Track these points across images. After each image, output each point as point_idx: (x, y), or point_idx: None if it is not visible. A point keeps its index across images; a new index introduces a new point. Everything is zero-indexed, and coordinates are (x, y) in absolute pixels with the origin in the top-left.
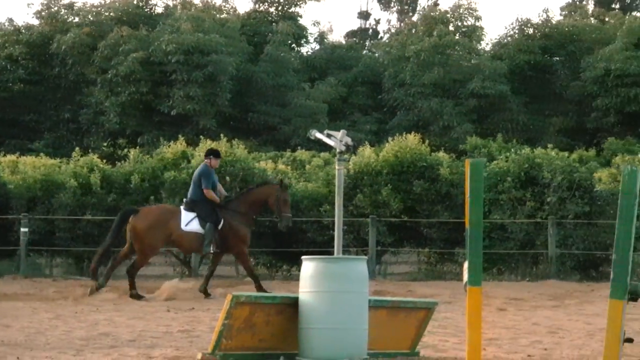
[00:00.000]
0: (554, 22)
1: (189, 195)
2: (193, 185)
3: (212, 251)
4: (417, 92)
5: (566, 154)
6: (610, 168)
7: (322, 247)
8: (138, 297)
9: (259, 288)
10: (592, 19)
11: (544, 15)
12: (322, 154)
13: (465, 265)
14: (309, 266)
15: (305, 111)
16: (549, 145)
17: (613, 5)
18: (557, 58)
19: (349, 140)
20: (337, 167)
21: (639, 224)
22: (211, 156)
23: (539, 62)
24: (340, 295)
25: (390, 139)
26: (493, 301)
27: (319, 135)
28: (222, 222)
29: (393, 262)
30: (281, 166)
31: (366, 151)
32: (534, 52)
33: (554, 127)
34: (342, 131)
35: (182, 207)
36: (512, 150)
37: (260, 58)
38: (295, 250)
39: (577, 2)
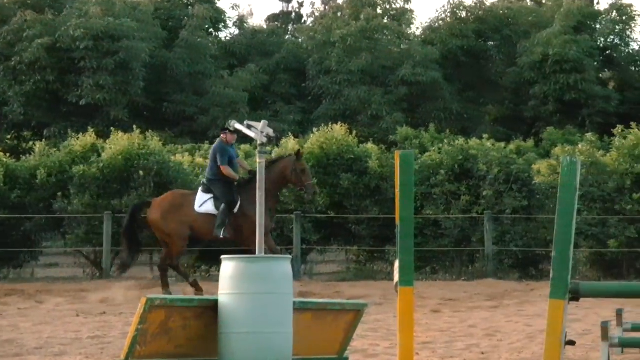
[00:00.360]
0: (488, 5)
1: (206, 175)
2: (210, 163)
3: (222, 236)
4: (344, 80)
5: (503, 144)
6: (550, 159)
7: (244, 246)
8: (196, 286)
9: None
10: (528, 1)
11: None
12: (242, 147)
13: (396, 264)
14: (228, 266)
15: (224, 100)
16: (485, 136)
17: None
18: (492, 43)
19: (270, 131)
20: (258, 160)
21: (580, 218)
22: (227, 131)
23: (473, 47)
24: (262, 297)
25: (315, 129)
26: (427, 302)
27: (238, 126)
28: (238, 205)
29: (320, 261)
30: (199, 159)
31: (289, 143)
32: (467, 37)
33: (490, 116)
34: (263, 122)
35: (199, 189)
36: (446, 141)
37: (176, 44)
38: (214, 249)
39: None
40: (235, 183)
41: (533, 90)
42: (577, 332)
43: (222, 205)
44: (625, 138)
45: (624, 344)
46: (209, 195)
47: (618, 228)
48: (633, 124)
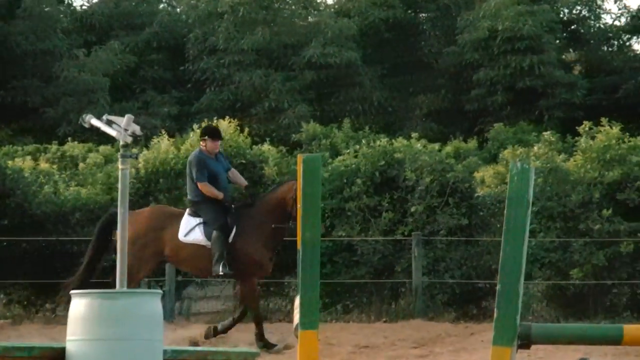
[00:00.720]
0: None
1: (188, 196)
2: (187, 180)
3: (222, 272)
4: (234, 62)
5: (437, 146)
6: (497, 165)
7: (103, 278)
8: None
9: (261, 336)
10: None
11: None
12: (101, 148)
13: (297, 301)
14: (79, 304)
15: (78, 88)
16: (414, 135)
17: None
18: (425, 15)
19: (137, 128)
20: (120, 166)
21: (535, 242)
22: (206, 137)
23: (401, 20)
24: (122, 344)
25: (196, 126)
26: (336, 350)
27: (95, 122)
28: (233, 231)
29: (199, 297)
30: (44, 164)
31: (163, 143)
32: (393, 7)
33: (422, 109)
34: (127, 116)
35: (187, 211)
36: (364, 141)
37: (17, 14)
38: (62, 281)
39: None
40: (228, 204)
41: (477, 76)
42: None
43: (214, 233)
44: (593, 138)
45: None
46: (197, 220)
47: (583, 254)
48: (603, 120)
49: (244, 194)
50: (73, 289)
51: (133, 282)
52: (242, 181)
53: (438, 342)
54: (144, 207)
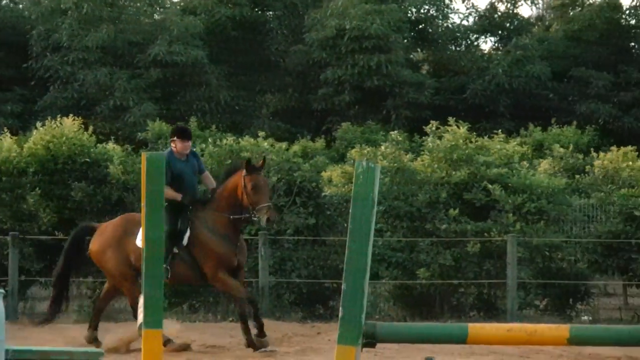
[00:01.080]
0: None
1: None
2: None
3: (165, 277)
4: (78, 59)
5: (284, 145)
6: (344, 165)
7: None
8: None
9: (246, 330)
10: None
11: None
12: None
13: (141, 299)
14: None
15: None
16: (261, 134)
17: None
18: (272, 13)
19: None
20: None
21: (381, 241)
22: (175, 137)
23: (247, 18)
24: None
25: (39, 124)
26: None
27: None
28: (187, 235)
29: (44, 297)
30: None
31: (5, 142)
32: (239, 5)
33: (269, 108)
34: None
35: None
36: (210, 140)
37: None
38: None
39: None
40: (187, 204)
41: (324, 75)
42: None
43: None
44: (440, 138)
45: None
46: None
47: (430, 254)
48: (451, 120)
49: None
50: (52, 301)
51: (124, 285)
52: (211, 183)
53: (284, 342)
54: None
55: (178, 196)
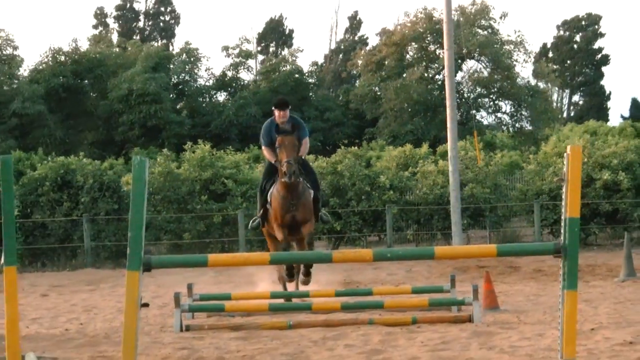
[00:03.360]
0: (82, 50)
1: None
2: None
3: (261, 226)
4: None
5: (99, 162)
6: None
7: None
8: None
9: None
10: (116, 48)
11: (74, 45)
12: None
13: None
14: None
15: None
16: (82, 153)
17: (134, 37)
18: (87, 81)
19: None
20: None
21: (160, 217)
22: (274, 108)
23: (71, 85)
24: None
25: None
26: (37, 289)
27: None
28: (270, 190)
29: None
30: None
31: None
32: (66, 76)
33: (87, 140)
34: None
35: None
36: (49, 159)
37: None
38: None
39: (103, 33)
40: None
41: (122, 119)
42: (159, 304)
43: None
44: (194, 152)
45: (193, 310)
46: None
47: (191, 223)
48: (200, 141)
49: None
50: None
51: None
52: (302, 152)
53: (102, 282)
54: None
55: (272, 158)
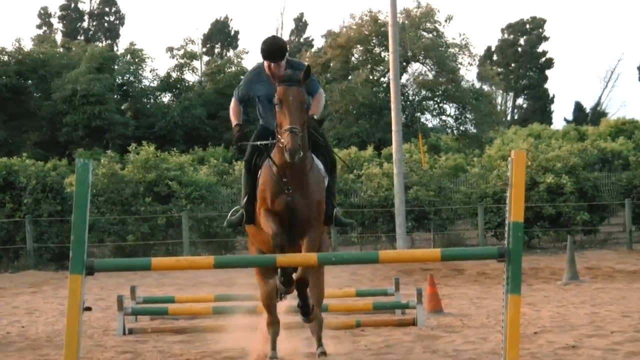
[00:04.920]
0: (26, 50)
1: None
2: None
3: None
4: None
5: (42, 163)
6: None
7: None
8: None
9: None
10: (60, 48)
11: (17, 44)
12: None
13: None
14: None
15: None
16: (25, 154)
17: (78, 37)
18: (30, 81)
19: None
20: None
21: (104, 219)
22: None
23: (15, 85)
24: None
25: None
26: None
27: None
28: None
29: None
30: None
31: None
32: (9, 76)
33: (31, 141)
34: None
35: None
36: None
37: None
38: None
39: (47, 33)
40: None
41: (66, 119)
42: (102, 306)
43: None
44: (138, 153)
45: (136, 313)
46: None
47: (135, 225)
48: (145, 143)
49: None
50: None
51: None
52: (314, 111)
53: (45, 284)
54: None
55: (236, 120)
